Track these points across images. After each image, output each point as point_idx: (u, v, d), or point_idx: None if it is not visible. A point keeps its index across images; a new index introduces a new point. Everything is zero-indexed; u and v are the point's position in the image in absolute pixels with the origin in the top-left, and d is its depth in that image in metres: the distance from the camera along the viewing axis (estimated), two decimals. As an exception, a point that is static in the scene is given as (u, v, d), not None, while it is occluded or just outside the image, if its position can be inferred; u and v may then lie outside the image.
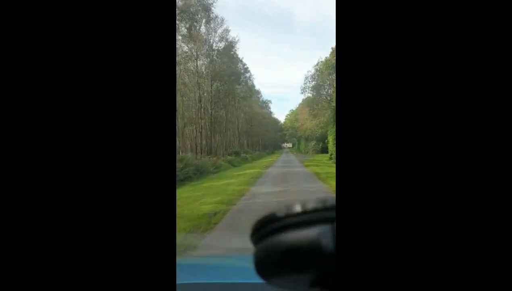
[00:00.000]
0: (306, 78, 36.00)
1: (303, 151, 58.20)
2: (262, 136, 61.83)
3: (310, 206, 0.28)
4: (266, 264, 0.30)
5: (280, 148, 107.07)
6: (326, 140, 32.96)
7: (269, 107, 65.81)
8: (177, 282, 0.47)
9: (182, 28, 21.90)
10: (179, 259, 0.48)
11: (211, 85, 25.41)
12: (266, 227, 0.30)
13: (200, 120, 23.97)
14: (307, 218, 0.28)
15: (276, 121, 79.29)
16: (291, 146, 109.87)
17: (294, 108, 66.04)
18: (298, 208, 0.28)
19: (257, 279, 0.31)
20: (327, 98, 32.48)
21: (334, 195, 0.31)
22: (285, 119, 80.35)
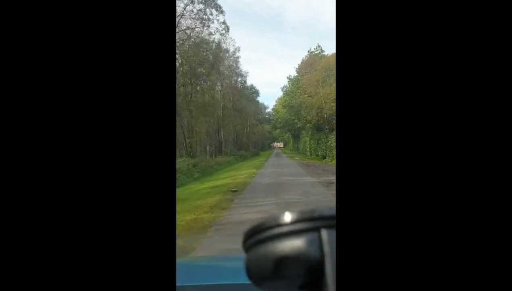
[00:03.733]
0: None
1: (308, 153, 29.62)
2: (233, 125, 32.95)
3: (298, 216, 0.29)
4: (256, 271, 0.31)
5: (269, 147, 79.35)
6: None
7: (246, 76, 36.19)
8: (177, 284, 0.47)
9: None
10: (178, 260, 0.50)
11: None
12: (256, 236, 0.31)
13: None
14: (295, 228, 0.29)
15: (258, 104, 49.37)
16: (282, 145, 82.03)
17: (293, 74, 35.56)
18: (287, 218, 0.30)
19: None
20: None
21: (321, 205, 0.31)
22: (277, 102, 50.02)
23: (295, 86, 32.22)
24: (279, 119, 37.32)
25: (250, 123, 42.09)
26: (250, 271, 0.32)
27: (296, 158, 25.87)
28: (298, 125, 36.34)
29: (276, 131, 58.78)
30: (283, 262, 0.29)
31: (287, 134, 59.52)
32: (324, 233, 0.29)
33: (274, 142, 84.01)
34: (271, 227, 0.30)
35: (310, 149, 29.53)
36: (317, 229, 0.29)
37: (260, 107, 51.47)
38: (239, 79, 35.50)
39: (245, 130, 40.72)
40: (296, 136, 46.61)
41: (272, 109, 51.53)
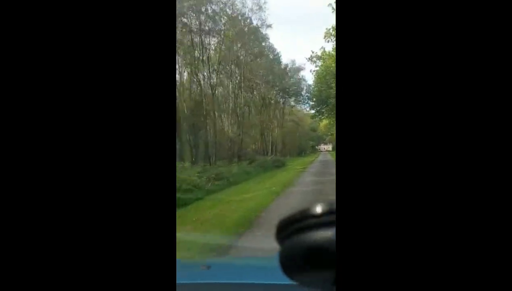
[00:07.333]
0: None
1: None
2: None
3: (333, 207, 0.29)
4: (291, 262, 0.31)
5: (314, 151, 55.09)
6: None
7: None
8: (177, 282, 0.48)
9: None
10: (181, 260, 0.51)
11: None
12: (290, 227, 0.31)
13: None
14: (330, 219, 0.29)
15: (278, 66, 24.67)
16: (330, 148, 57.57)
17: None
18: (321, 209, 0.30)
19: (256, 280, 0.33)
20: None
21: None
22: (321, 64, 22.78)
23: None
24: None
25: (262, 94, 18.73)
26: (284, 263, 0.32)
27: None
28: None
29: (323, 122, 33.79)
30: (317, 253, 0.29)
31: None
32: None
33: (320, 144, 60.17)
34: (305, 218, 0.30)
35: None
36: None
37: (285, 67, 27.33)
38: None
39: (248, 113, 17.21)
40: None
41: (314, 80, 24.78)
